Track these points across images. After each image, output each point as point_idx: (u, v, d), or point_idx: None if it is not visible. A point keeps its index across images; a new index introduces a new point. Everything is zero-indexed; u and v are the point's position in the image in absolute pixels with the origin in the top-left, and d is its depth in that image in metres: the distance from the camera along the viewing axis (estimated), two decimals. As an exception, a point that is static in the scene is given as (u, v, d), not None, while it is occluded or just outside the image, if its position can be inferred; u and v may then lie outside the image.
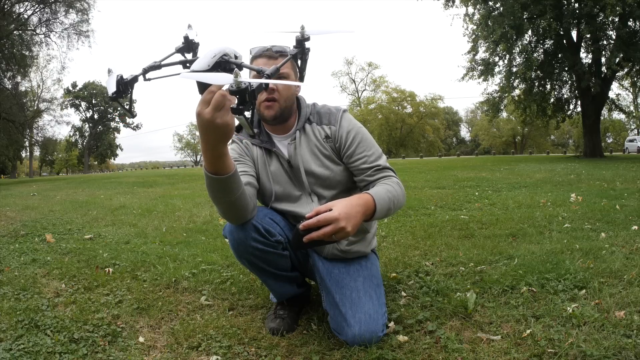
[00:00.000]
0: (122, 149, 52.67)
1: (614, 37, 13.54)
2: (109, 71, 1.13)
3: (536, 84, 15.84)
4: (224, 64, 1.02)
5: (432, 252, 2.49)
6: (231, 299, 1.91)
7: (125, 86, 1.14)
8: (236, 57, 1.07)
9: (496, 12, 14.32)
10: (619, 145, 36.54)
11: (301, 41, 1.35)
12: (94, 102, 47.93)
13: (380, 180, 1.51)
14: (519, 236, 2.78)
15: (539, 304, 1.63)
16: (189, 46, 1.16)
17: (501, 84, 15.99)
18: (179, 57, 1.20)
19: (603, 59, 14.38)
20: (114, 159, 56.00)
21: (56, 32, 21.40)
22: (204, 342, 1.49)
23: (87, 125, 49.29)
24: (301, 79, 1.51)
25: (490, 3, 14.63)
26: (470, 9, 15.61)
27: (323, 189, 1.58)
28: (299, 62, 1.45)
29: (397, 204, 1.46)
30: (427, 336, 1.46)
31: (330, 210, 1.26)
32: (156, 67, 1.15)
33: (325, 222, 1.24)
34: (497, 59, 15.51)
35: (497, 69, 15.75)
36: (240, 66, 1.03)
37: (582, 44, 14.99)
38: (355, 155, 1.54)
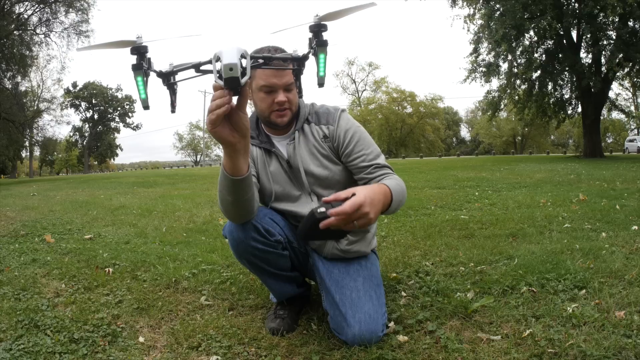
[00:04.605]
0: (122, 149, 52.66)
1: (614, 37, 13.52)
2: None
3: (537, 84, 15.82)
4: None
5: (432, 252, 2.49)
6: (231, 299, 1.91)
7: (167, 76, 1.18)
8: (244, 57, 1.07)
9: (497, 13, 14.31)
10: (619, 145, 36.49)
11: (318, 32, 1.19)
12: (94, 102, 47.87)
13: (384, 177, 1.50)
14: (519, 236, 2.78)
15: (539, 304, 1.63)
16: (140, 52, 1.14)
17: (502, 85, 15.98)
18: (190, 59, 1.19)
19: (603, 59, 14.37)
20: (114, 159, 55.99)
21: (56, 32, 21.40)
22: (204, 342, 1.49)
23: (87, 125, 49.25)
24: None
25: (492, 3, 14.61)
26: (472, 10, 15.60)
27: (322, 189, 1.58)
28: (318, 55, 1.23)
29: (404, 200, 1.46)
30: (427, 336, 1.46)
31: (354, 194, 1.19)
32: (170, 72, 1.17)
33: (353, 207, 1.17)
34: (499, 60, 15.47)
35: (499, 70, 15.72)
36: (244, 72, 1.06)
37: (582, 44, 14.98)
38: (354, 154, 1.54)
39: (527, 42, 15.15)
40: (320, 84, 1.24)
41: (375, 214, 1.23)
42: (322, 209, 1.17)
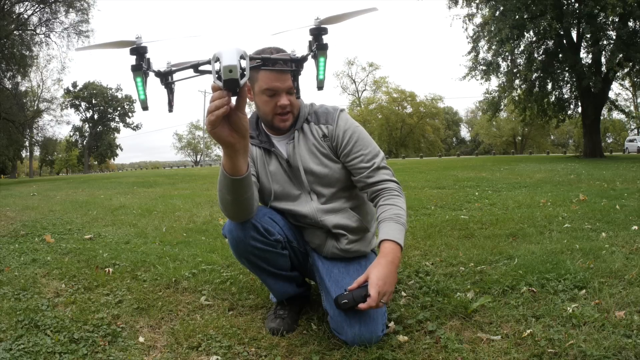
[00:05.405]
0: (122, 149, 52.60)
1: (614, 37, 13.51)
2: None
3: (537, 84, 15.82)
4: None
5: (432, 252, 2.49)
6: (231, 299, 1.91)
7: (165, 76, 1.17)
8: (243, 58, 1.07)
9: (497, 13, 14.31)
10: (619, 145, 36.48)
11: (318, 35, 1.19)
12: (94, 102, 47.84)
13: (381, 194, 1.52)
14: (519, 236, 2.78)
15: (539, 304, 1.63)
16: (140, 52, 1.13)
17: (502, 84, 15.98)
18: (190, 58, 1.19)
19: (603, 59, 14.36)
20: (114, 159, 55.95)
21: (56, 32, 21.40)
22: (204, 342, 1.49)
23: (87, 125, 49.22)
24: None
25: (493, 2, 14.60)
26: (472, 10, 15.61)
27: (322, 187, 1.59)
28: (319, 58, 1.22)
29: (406, 218, 1.50)
30: (427, 336, 1.46)
31: (367, 281, 1.34)
32: (168, 72, 1.16)
33: (376, 300, 1.30)
34: (500, 59, 15.45)
35: (500, 69, 15.70)
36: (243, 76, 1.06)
37: (582, 44, 14.98)
38: (352, 154, 1.55)
39: (527, 43, 15.15)
40: (320, 87, 1.24)
41: (393, 285, 1.38)
42: (345, 300, 1.36)
